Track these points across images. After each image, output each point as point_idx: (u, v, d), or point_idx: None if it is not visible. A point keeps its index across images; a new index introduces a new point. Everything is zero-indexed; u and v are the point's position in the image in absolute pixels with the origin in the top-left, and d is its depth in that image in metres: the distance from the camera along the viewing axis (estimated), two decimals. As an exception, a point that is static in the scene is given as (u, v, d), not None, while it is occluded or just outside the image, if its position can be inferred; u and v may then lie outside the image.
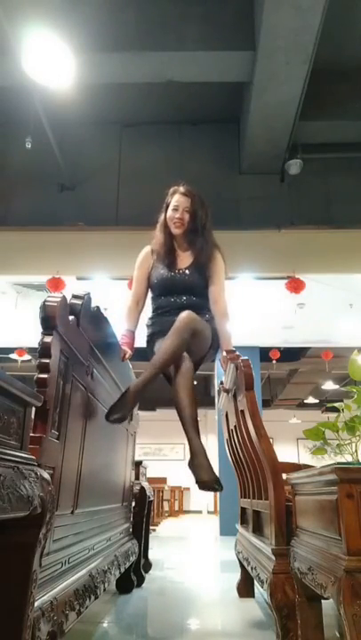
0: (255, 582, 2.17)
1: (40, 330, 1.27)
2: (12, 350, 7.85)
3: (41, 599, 1.08)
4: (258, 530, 2.18)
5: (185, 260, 2.32)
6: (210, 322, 2.20)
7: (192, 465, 1.82)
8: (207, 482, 1.76)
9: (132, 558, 2.48)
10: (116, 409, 1.83)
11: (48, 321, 1.27)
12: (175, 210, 2.27)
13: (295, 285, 4.93)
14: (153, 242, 2.38)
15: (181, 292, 2.26)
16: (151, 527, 4.17)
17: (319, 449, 1.83)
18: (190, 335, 1.97)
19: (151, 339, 2.26)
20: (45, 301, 1.29)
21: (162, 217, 2.34)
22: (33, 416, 1.09)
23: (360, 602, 0.96)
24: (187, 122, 5.87)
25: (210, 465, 1.80)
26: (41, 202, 5.60)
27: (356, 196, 5.57)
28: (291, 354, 8.58)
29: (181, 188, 2.31)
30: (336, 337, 6.84)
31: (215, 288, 2.29)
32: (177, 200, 2.28)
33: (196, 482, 1.78)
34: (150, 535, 3.45)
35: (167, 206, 2.32)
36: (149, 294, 2.41)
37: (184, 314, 2.01)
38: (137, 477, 3.16)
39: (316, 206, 5.57)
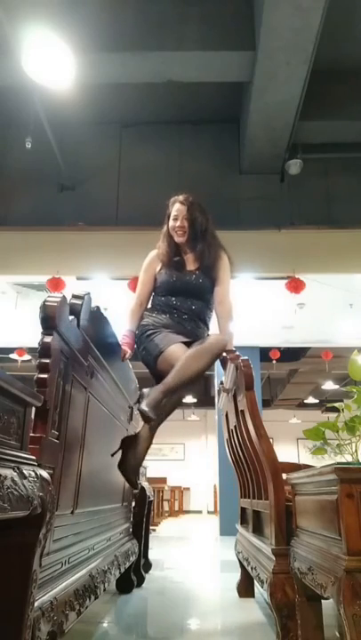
0: (255, 582, 2.17)
1: (40, 330, 1.27)
2: (12, 350, 7.85)
3: (41, 599, 1.08)
4: (258, 530, 2.18)
5: (192, 263, 2.34)
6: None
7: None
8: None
9: (132, 558, 2.48)
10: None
11: (48, 321, 1.27)
12: (175, 219, 2.31)
13: (295, 285, 4.93)
14: (158, 252, 2.40)
15: (189, 295, 2.26)
16: (151, 527, 4.17)
17: (319, 449, 1.84)
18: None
19: (152, 331, 2.18)
20: (45, 301, 1.29)
21: (165, 228, 2.38)
22: (33, 416, 1.09)
23: (360, 602, 0.96)
24: (187, 122, 5.87)
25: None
26: (41, 202, 5.60)
27: (357, 195, 5.57)
28: (291, 354, 8.58)
29: (180, 197, 2.35)
30: (336, 337, 6.84)
31: (221, 289, 2.31)
32: (176, 209, 2.32)
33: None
34: (150, 535, 3.45)
35: (168, 216, 2.36)
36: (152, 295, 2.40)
37: (220, 338, 2.07)
38: (137, 477, 3.16)
39: (316, 206, 5.57)
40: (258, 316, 6.14)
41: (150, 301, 2.37)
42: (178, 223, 2.30)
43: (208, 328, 2.30)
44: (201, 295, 2.27)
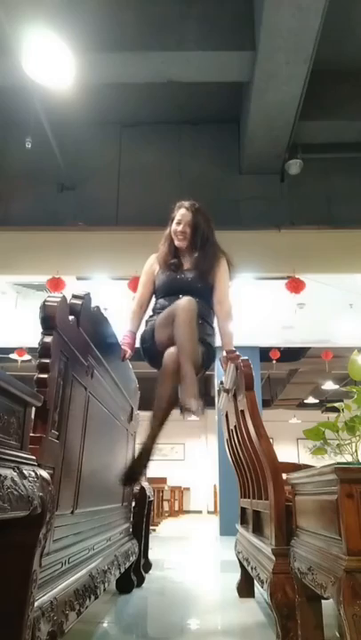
0: (255, 582, 2.17)
1: (40, 330, 1.27)
2: (11, 350, 7.85)
3: (41, 599, 1.08)
4: (258, 530, 2.18)
5: (188, 264, 2.39)
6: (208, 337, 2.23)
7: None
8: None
9: (132, 558, 2.48)
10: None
11: (48, 321, 1.27)
12: (179, 223, 2.36)
13: (295, 285, 4.93)
14: (158, 253, 2.46)
15: (183, 293, 2.27)
16: (151, 527, 4.17)
17: (319, 449, 1.83)
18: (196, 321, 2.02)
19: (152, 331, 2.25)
20: (45, 301, 1.29)
21: (167, 230, 2.44)
22: (33, 416, 1.09)
23: (360, 602, 0.96)
24: (187, 122, 5.87)
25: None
26: (41, 202, 5.60)
27: (357, 195, 5.57)
28: (291, 354, 8.58)
29: (186, 203, 2.41)
30: (336, 337, 6.84)
31: (219, 292, 2.35)
32: (181, 214, 2.38)
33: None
34: (150, 535, 3.45)
35: (172, 220, 2.41)
36: (153, 298, 2.45)
37: (184, 300, 2.05)
38: (137, 477, 3.15)
39: (316, 206, 5.57)
40: (258, 316, 6.14)
41: (151, 306, 2.41)
42: (180, 228, 2.35)
43: (211, 326, 2.31)
44: (194, 293, 2.29)
